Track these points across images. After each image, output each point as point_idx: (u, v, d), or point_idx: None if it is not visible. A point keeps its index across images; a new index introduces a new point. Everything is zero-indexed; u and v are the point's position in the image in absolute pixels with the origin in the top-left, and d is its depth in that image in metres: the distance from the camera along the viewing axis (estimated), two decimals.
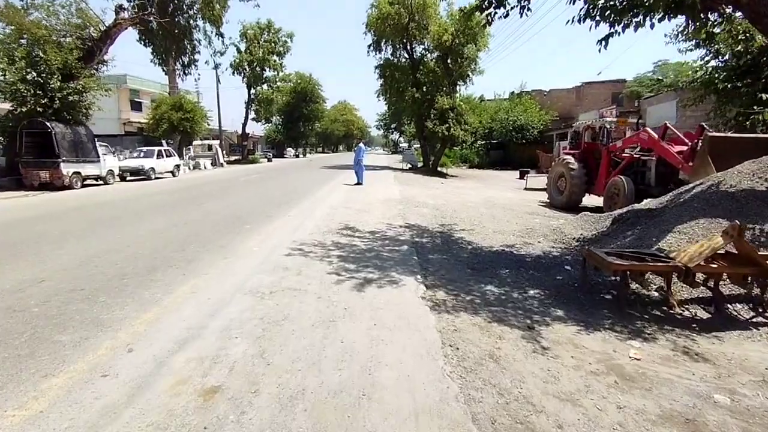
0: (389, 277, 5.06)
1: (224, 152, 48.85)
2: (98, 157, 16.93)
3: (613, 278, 4.84)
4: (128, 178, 20.15)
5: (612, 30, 5.61)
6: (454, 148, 34.30)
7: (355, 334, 3.51)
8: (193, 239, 6.76)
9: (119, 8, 17.03)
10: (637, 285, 4.68)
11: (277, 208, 10.37)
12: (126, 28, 17.03)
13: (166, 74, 36.43)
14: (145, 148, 22.01)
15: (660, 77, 34.16)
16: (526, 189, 19.77)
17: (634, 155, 10.54)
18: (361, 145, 18.66)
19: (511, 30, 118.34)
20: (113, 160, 18.68)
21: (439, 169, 28.69)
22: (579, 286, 5.04)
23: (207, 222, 8.30)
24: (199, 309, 3.87)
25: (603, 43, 5.62)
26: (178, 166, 23.41)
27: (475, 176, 27.63)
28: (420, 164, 32.87)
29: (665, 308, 4.29)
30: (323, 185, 16.64)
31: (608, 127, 11.47)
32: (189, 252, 5.93)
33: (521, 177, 21.74)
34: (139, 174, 20.06)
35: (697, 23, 5.99)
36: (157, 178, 21.42)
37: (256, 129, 70.08)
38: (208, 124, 41.44)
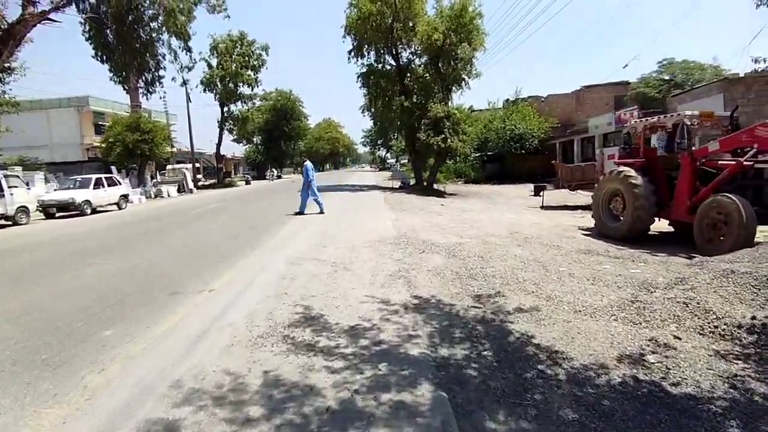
0: None
1: (201, 175, 45.30)
2: (1, 191, 13.04)
3: None
4: (57, 215, 16.26)
5: None
6: (449, 161, 30.98)
7: None
8: None
9: (28, 1, 13.29)
10: None
11: (202, 269, 6.61)
12: (35, 25, 13.37)
13: (127, 93, 32.92)
14: (80, 177, 18.13)
15: (667, 77, 31.54)
16: (543, 208, 16.40)
17: (744, 162, 7.06)
18: (308, 163, 14.82)
19: (503, 33, 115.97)
20: (25, 194, 14.75)
21: (435, 186, 25.19)
22: None
23: (31, 328, 4.45)
24: None
25: None
26: (125, 196, 19.51)
27: (476, 193, 24.19)
28: (412, 181, 29.36)
29: None
30: (293, 217, 12.91)
31: (689, 123, 8.02)
32: None
33: (536, 193, 18.29)
34: (69, 209, 16.15)
35: None
36: (97, 211, 17.58)
37: (237, 150, 66.65)
38: (173, 146, 37.73)
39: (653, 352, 3.50)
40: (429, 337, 3.82)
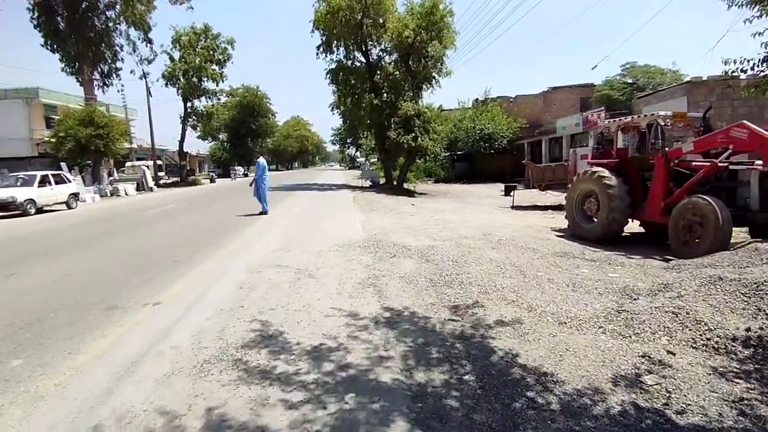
0: None
1: (163, 173, 43.61)
2: None
3: None
4: None
5: None
6: (419, 160, 30.77)
7: None
8: None
9: None
10: None
11: (150, 278, 5.94)
12: None
13: (80, 85, 31.01)
14: (23, 174, 16.73)
15: (630, 80, 32.34)
16: (513, 208, 16.30)
17: (719, 163, 6.96)
18: (261, 159, 13.82)
19: (472, 33, 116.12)
20: None
21: (405, 185, 24.85)
22: None
23: None
24: None
25: None
26: (75, 195, 18.18)
27: (447, 192, 24.00)
28: (382, 180, 28.95)
29: None
30: (258, 218, 12.24)
31: (662, 123, 7.92)
32: None
33: (507, 193, 18.21)
34: (9, 209, 14.82)
35: None
36: (44, 211, 16.28)
37: (202, 147, 64.59)
38: (131, 142, 35.99)
39: (649, 372, 3.17)
40: (403, 359, 3.37)
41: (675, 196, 7.56)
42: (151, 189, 30.31)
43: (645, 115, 8.49)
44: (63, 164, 22.60)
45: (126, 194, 26.08)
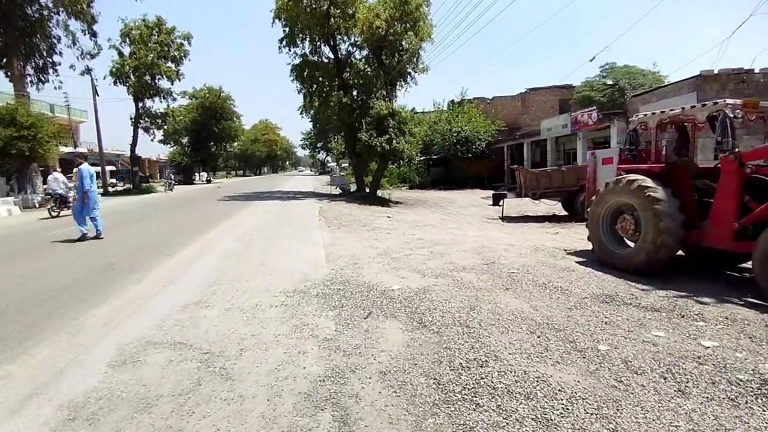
0: None
1: (115, 180, 40.02)
2: None
3: None
4: None
5: None
6: (392, 165, 28.52)
7: None
8: None
9: None
10: None
11: None
12: None
13: (10, 80, 27.38)
14: None
15: (610, 81, 31.13)
16: (502, 219, 14.25)
17: None
18: (83, 166, 10.69)
19: (446, 30, 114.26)
20: None
21: (379, 193, 22.47)
22: None
23: None
24: None
25: None
26: None
27: (424, 201, 21.77)
28: (353, 187, 26.49)
29: None
30: (186, 245, 9.52)
31: (731, 115, 5.83)
32: None
33: (495, 202, 16.08)
34: None
35: None
36: None
37: (164, 151, 60.56)
38: (75, 146, 32.31)
39: None
40: None
41: (756, 215, 5.46)
42: None
43: (703, 105, 6.36)
44: None
45: None
